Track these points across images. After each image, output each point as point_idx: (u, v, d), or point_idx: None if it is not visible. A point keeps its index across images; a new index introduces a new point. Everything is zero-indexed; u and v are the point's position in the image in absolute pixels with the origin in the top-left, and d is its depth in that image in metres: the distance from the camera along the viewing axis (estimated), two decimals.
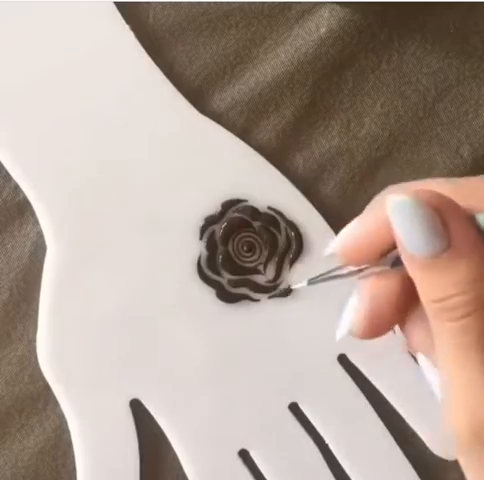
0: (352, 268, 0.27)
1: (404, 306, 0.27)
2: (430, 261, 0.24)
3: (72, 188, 0.36)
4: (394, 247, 0.25)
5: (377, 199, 0.28)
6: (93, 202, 0.36)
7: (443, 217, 0.24)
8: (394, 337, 0.36)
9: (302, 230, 0.36)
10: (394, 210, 0.24)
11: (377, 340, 0.36)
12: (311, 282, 0.28)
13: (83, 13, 0.36)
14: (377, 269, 0.27)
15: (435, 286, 0.24)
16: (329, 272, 0.28)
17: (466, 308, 0.24)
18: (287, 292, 0.36)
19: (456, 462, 0.35)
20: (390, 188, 0.27)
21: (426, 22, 0.38)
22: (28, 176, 0.36)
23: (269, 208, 0.36)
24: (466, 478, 0.26)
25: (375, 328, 0.27)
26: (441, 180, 0.27)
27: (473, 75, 0.38)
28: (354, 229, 0.26)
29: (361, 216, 0.27)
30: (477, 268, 0.24)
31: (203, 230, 0.36)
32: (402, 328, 0.28)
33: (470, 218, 0.24)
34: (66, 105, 0.36)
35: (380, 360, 0.36)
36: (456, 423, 0.24)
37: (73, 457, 0.36)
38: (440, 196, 0.24)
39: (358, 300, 0.27)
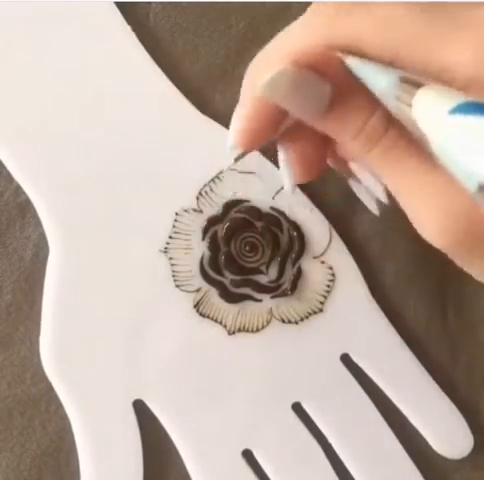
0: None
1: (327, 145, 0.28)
2: (325, 113, 0.24)
3: (75, 188, 0.36)
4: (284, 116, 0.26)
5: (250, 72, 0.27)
6: (96, 203, 0.36)
7: (319, 70, 0.23)
8: (396, 336, 0.36)
9: (304, 230, 0.36)
10: (267, 91, 0.24)
11: (381, 340, 0.36)
12: (237, 159, 0.28)
13: (84, 14, 0.36)
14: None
15: (346, 125, 0.24)
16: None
17: (380, 126, 0.24)
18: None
19: (460, 461, 0.36)
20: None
21: None
22: (30, 177, 0.36)
23: (271, 208, 0.36)
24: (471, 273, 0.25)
25: (312, 171, 0.28)
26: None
27: None
28: (242, 117, 0.26)
29: (241, 104, 0.27)
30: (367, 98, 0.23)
31: (206, 230, 0.36)
32: (333, 162, 0.30)
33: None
34: (67, 105, 0.36)
35: (383, 359, 0.36)
36: (441, 232, 0.23)
37: (76, 459, 0.35)
38: (305, 52, 0.24)
39: (286, 157, 0.28)
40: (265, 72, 0.24)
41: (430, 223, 0.23)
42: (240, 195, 0.36)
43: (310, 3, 0.38)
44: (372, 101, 0.24)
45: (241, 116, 0.26)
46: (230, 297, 0.36)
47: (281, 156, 0.29)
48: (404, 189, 0.24)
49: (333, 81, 0.24)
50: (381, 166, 0.24)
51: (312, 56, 0.24)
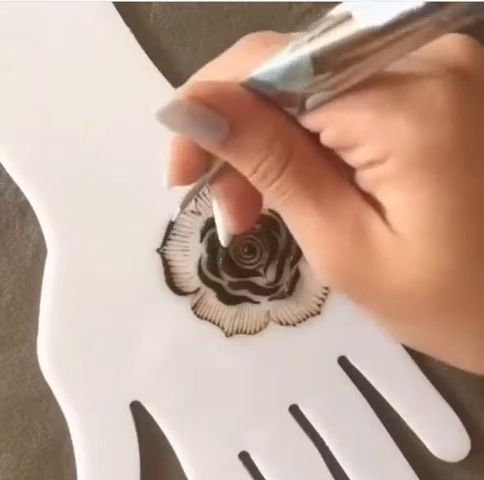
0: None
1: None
2: (225, 146, 0.25)
3: (73, 190, 0.36)
4: None
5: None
6: (94, 204, 0.36)
7: (215, 104, 0.24)
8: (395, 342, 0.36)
9: None
10: (163, 119, 0.25)
11: (378, 342, 0.36)
12: (182, 206, 0.31)
13: (82, 15, 0.36)
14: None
15: (244, 162, 0.26)
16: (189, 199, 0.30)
17: (275, 168, 0.25)
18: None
19: (457, 464, 0.36)
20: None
21: None
22: (28, 178, 0.36)
23: (269, 211, 0.36)
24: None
25: (245, 220, 0.29)
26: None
27: None
28: (171, 149, 0.27)
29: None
30: (266, 131, 0.25)
31: (204, 232, 0.36)
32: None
33: (246, 85, 0.25)
34: (66, 106, 0.36)
35: (380, 362, 0.36)
36: (322, 272, 0.26)
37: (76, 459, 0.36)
38: (204, 85, 0.25)
39: (219, 207, 0.29)
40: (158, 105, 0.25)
41: (317, 257, 0.25)
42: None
43: (310, 3, 0.38)
44: (271, 138, 0.25)
45: (170, 149, 0.27)
46: (228, 299, 0.36)
47: (215, 204, 0.30)
48: (298, 229, 0.26)
49: (231, 116, 0.25)
50: (276, 204, 0.26)
51: (210, 90, 0.25)
